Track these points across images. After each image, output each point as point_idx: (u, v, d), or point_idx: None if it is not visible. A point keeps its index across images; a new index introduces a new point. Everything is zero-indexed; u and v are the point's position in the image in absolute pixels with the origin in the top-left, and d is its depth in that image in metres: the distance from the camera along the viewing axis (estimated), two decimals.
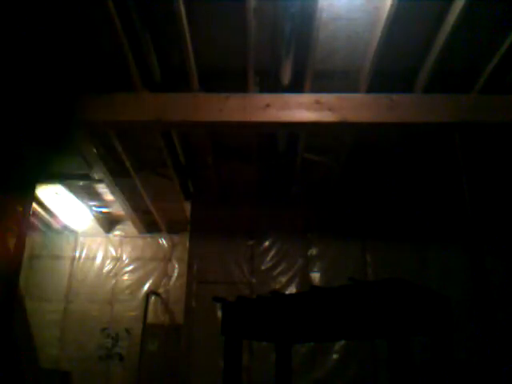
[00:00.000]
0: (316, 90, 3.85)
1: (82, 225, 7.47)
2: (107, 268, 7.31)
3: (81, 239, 7.64)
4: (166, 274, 7.27)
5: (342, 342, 5.52)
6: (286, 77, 3.70)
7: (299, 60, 3.60)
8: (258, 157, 5.23)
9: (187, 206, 6.28)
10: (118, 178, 5.63)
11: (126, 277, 7.24)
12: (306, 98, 3.80)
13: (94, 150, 4.91)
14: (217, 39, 3.61)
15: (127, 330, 6.87)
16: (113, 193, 6.02)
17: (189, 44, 3.48)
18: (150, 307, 6.95)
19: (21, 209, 3.83)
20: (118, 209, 6.84)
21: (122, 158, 5.05)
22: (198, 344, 5.52)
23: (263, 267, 5.86)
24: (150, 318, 6.87)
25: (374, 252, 5.88)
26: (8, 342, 3.43)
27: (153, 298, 7.05)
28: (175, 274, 7.24)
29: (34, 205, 5.67)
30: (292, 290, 5.68)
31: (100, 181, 5.73)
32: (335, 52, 3.69)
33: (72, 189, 6.15)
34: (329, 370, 5.45)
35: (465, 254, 4.93)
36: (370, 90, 3.84)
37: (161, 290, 7.15)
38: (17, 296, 3.58)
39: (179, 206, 6.41)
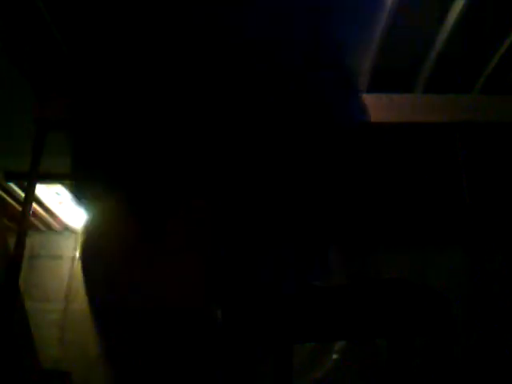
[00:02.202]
0: None
1: (81, 225, 7.45)
2: None
3: (81, 239, 7.62)
4: None
5: (342, 342, 5.51)
6: None
7: None
8: None
9: None
10: None
11: None
12: None
13: None
14: None
15: None
16: None
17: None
18: None
19: (21, 209, 3.83)
20: None
21: None
22: None
23: None
24: None
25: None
26: (8, 342, 3.42)
27: None
28: None
29: (34, 205, 5.67)
30: None
31: None
32: None
33: (72, 189, 6.14)
34: (329, 370, 5.45)
35: (465, 255, 4.94)
36: (370, 89, 3.84)
37: None
38: (17, 296, 3.58)
39: None
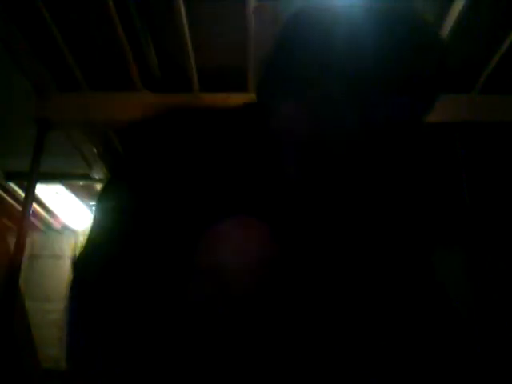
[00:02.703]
0: None
1: (81, 225, 7.47)
2: None
3: (81, 239, 7.63)
4: None
5: None
6: None
7: None
8: None
9: None
10: None
11: None
12: None
13: (94, 150, 4.90)
14: (217, 39, 3.61)
15: None
16: None
17: (189, 44, 3.49)
18: None
19: (21, 209, 3.83)
20: None
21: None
22: None
23: None
24: None
25: None
26: (8, 342, 3.42)
27: None
28: None
29: (34, 205, 5.67)
30: None
31: (100, 181, 5.72)
32: None
33: (72, 189, 6.14)
34: None
35: (465, 255, 4.93)
36: None
37: None
38: (17, 296, 3.58)
39: None
